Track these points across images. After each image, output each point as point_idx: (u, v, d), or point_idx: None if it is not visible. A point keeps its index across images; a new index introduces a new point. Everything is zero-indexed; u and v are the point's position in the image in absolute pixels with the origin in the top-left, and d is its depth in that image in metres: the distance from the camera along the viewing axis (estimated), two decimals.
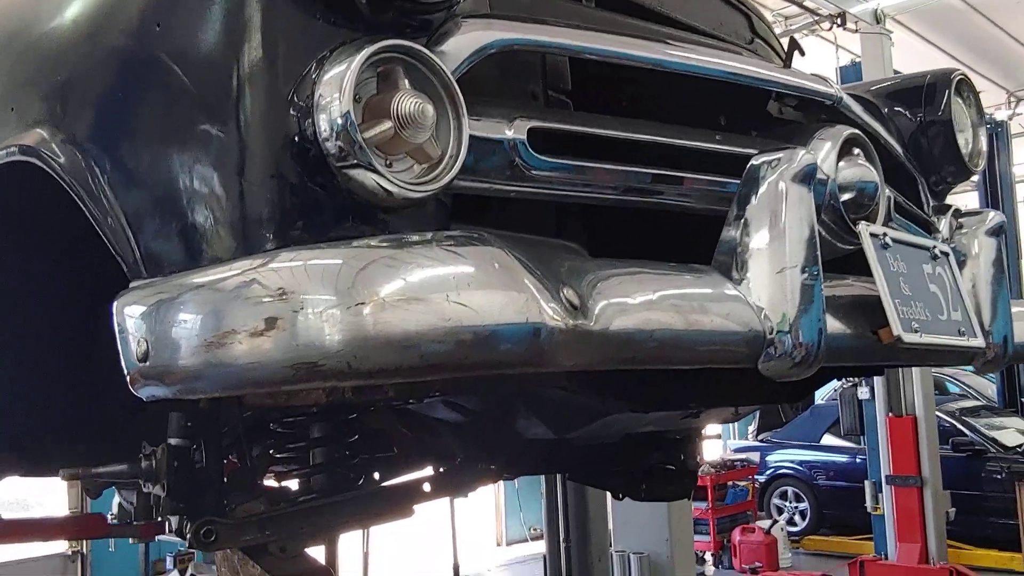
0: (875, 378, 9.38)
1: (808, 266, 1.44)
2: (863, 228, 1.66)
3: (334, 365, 1.05)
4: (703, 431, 2.57)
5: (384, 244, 1.11)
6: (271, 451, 2.05)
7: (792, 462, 12.15)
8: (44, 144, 1.49)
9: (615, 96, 1.79)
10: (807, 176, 1.48)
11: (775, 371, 1.45)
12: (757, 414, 13.48)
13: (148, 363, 1.24)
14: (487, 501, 12.70)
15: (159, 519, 3.07)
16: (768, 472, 12.41)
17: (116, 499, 5.64)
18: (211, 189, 1.27)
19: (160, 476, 1.84)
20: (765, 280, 1.45)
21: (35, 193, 1.75)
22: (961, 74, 2.56)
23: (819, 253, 1.46)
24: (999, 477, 10.40)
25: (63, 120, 1.48)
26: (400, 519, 1.97)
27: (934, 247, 1.88)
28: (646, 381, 1.78)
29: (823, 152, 1.77)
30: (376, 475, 2.20)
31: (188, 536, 1.85)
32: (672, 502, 5.90)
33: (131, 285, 1.36)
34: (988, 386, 14.55)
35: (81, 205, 1.43)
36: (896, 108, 2.50)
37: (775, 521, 10.94)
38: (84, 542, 8.84)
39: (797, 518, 11.93)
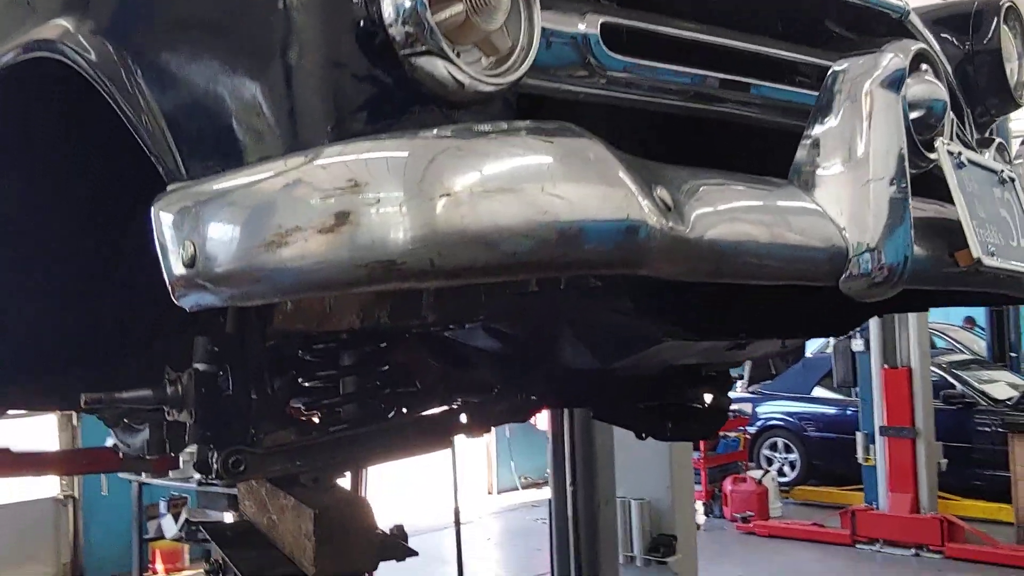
0: (870, 330, 9.39)
1: (897, 179, 1.35)
2: (941, 145, 1.56)
3: (414, 264, 0.95)
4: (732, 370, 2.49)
5: (468, 132, 1.01)
6: (299, 380, 1.96)
7: (783, 413, 12.20)
8: (68, 37, 1.37)
9: (658, 6, 1.68)
10: (896, 82, 1.38)
11: (856, 291, 1.36)
12: (747, 365, 13.53)
13: (195, 269, 1.14)
14: (478, 450, 12.73)
15: (172, 453, 2.99)
16: (758, 423, 12.47)
17: (109, 441, 5.55)
18: (263, 81, 1.15)
19: (187, 402, 1.75)
20: (848, 194, 1.35)
21: (53, 95, 1.63)
22: (1010, 1, 2.45)
23: (908, 166, 1.36)
24: (988, 430, 10.48)
25: (89, 9, 1.35)
26: (437, 450, 1.89)
27: (1002, 171, 1.79)
28: (703, 307, 1.69)
29: None
30: (404, 408, 2.11)
31: (215, 466, 1.76)
32: (674, 451, 5.88)
33: (171, 187, 1.25)
34: (974, 341, 14.66)
35: (113, 104, 1.31)
36: (942, 35, 2.39)
37: (766, 471, 11.03)
38: (76, 486, 8.77)
39: (786, 469, 12.01)
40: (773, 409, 12.31)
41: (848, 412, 11.49)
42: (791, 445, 12.20)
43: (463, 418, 1.87)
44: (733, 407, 11.97)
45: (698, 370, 2.33)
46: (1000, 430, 10.34)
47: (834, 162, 1.38)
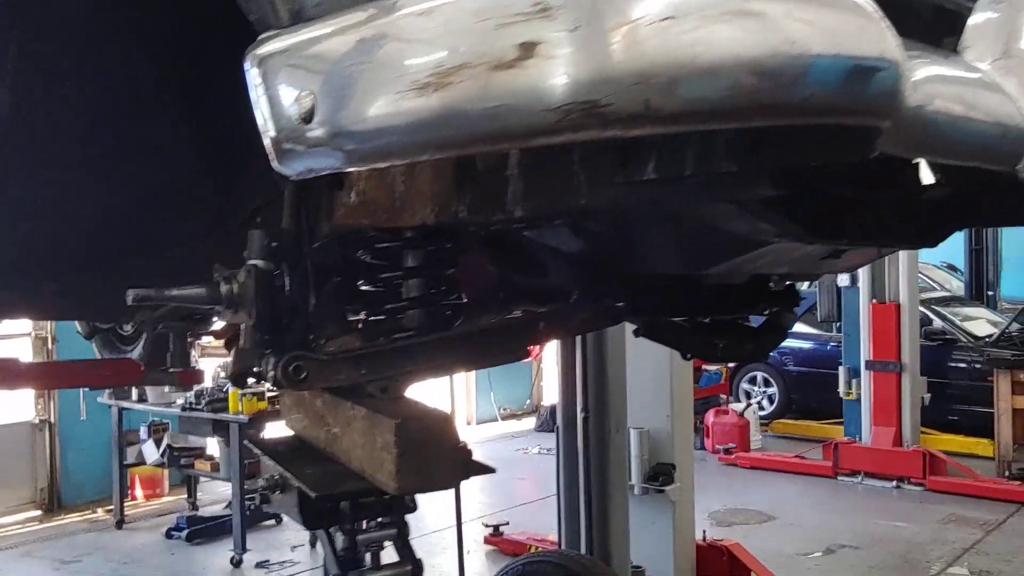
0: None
1: None
2: None
3: (624, 106, 0.77)
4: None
5: None
6: (358, 282, 1.78)
7: None
8: None
9: None
10: None
11: None
12: None
13: (314, 124, 0.95)
14: (457, 380, 12.66)
15: (196, 367, 2.80)
16: None
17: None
18: None
19: (245, 302, 1.57)
20: None
21: None
22: None
23: None
24: (967, 366, 10.59)
25: None
26: (512, 360, 1.74)
27: None
28: (817, 208, 1.54)
29: None
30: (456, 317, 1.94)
31: (273, 373, 1.59)
32: (675, 380, 5.81)
33: (267, 34, 1.06)
34: (949, 280, 14.77)
35: None
36: None
37: (748, 404, 11.07)
38: (52, 410, 8.55)
39: (765, 402, 12.09)
40: None
41: (828, 347, 11.55)
42: (770, 379, 12.26)
43: (541, 325, 1.71)
44: None
45: (766, 283, 2.19)
46: (978, 366, 10.47)
47: (1013, 35, 1.22)
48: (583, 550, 4.43)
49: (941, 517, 7.80)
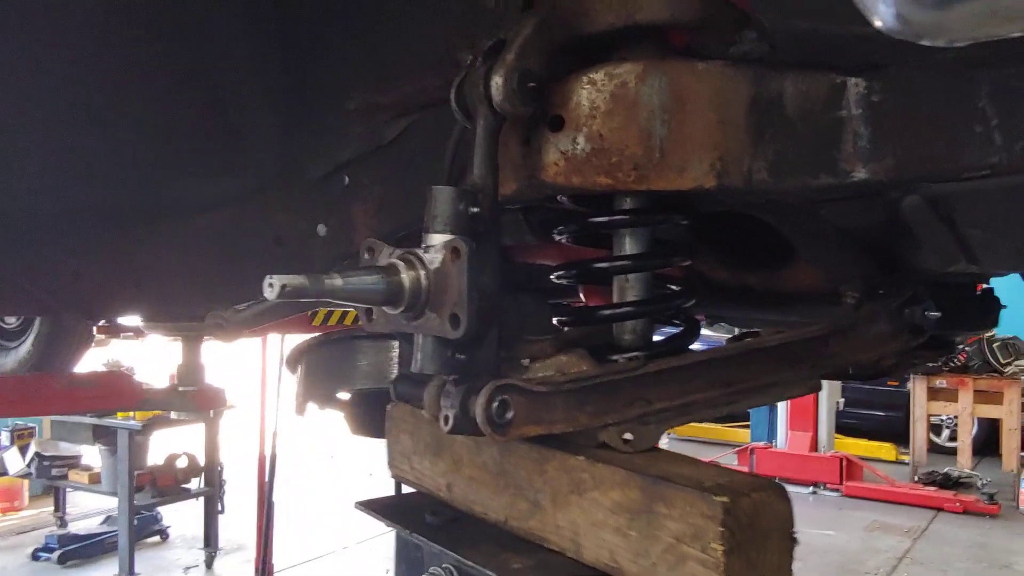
0: None
1: None
2: None
3: None
4: None
5: None
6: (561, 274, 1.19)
7: None
8: None
9: None
10: None
11: None
12: None
13: None
14: None
15: (214, 386, 2.22)
16: None
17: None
18: None
19: (448, 299, 0.97)
20: None
21: None
22: None
23: None
24: None
25: None
26: (799, 395, 1.19)
27: None
28: None
29: None
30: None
31: (454, 412, 0.99)
32: None
33: None
34: None
35: None
36: None
37: None
38: None
39: None
40: None
41: None
42: None
43: (831, 344, 1.16)
44: None
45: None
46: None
47: None
48: None
49: (865, 524, 7.71)
